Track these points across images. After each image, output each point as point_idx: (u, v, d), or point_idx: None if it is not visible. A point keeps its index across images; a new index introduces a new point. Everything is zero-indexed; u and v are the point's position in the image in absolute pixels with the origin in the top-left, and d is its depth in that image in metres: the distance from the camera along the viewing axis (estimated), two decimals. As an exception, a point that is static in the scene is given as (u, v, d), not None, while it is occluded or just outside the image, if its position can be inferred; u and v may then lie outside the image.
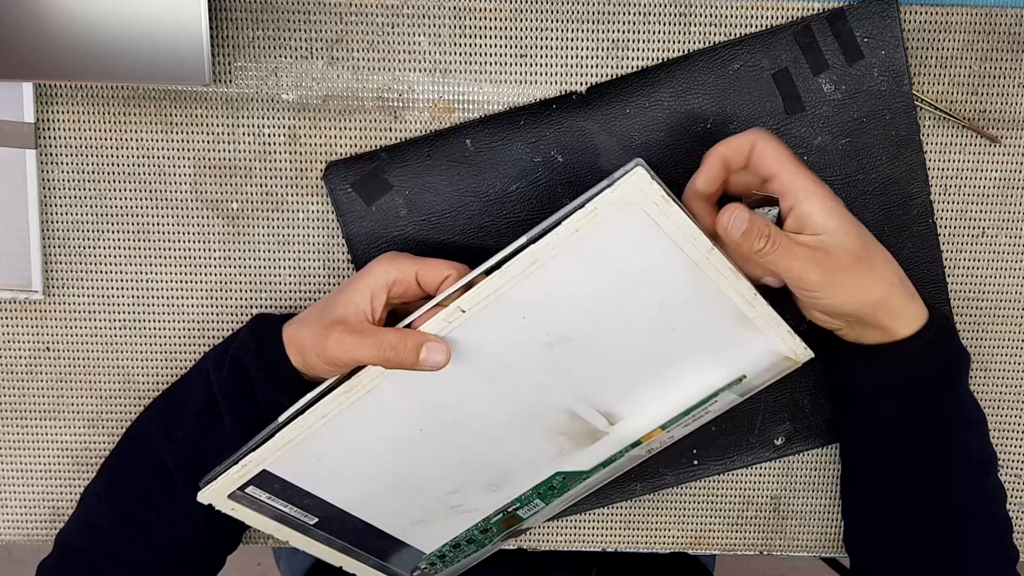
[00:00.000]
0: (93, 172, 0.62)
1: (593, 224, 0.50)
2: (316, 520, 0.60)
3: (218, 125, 0.61)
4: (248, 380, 0.57)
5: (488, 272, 0.51)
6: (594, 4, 0.60)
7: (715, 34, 0.60)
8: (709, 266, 0.53)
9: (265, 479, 0.57)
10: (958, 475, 0.57)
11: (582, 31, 0.60)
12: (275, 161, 0.62)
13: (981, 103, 0.61)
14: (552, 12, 0.60)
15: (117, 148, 0.62)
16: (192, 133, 0.61)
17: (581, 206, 0.50)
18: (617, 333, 0.55)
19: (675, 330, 0.56)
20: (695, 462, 0.66)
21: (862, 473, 0.61)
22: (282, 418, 0.55)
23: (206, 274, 0.63)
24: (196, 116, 0.61)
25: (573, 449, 0.61)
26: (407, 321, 0.53)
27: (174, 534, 0.59)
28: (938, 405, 0.57)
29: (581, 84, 0.61)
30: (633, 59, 0.60)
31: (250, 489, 0.57)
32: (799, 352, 0.58)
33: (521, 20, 0.60)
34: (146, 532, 0.58)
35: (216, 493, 0.56)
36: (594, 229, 0.50)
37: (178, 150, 0.62)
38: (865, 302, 0.53)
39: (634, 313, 0.54)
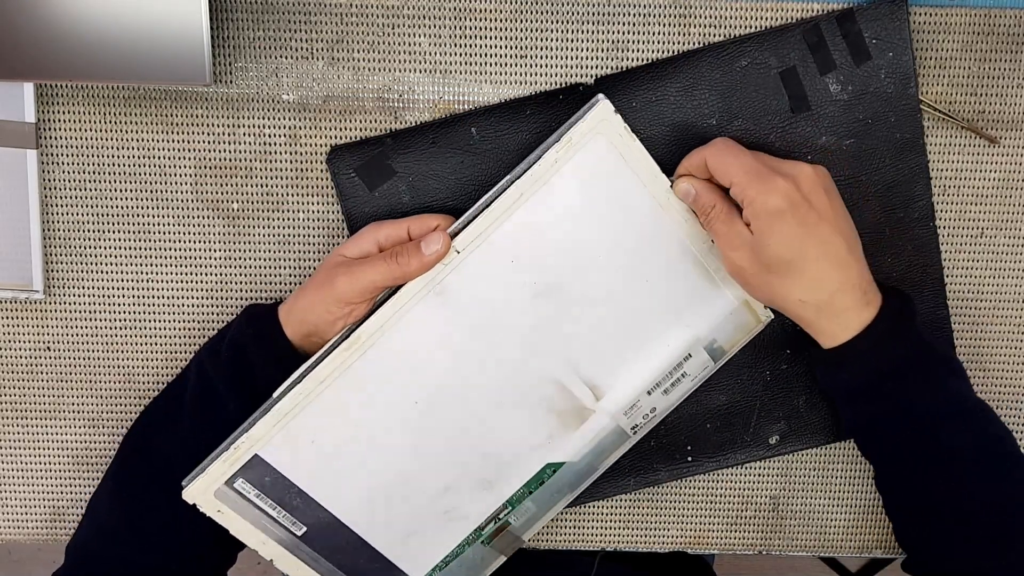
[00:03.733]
0: (94, 172, 0.62)
1: (570, 153, 0.55)
2: (304, 531, 0.59)
3: (219, 125, 0.61)
4: (248, 364, 0.57)
5: (479, 212, 0.55)
6: (594, 5, 0.60)
7: (715, 35, 0.60)
8: (670, 207, 0.58)
9: (256, 469, 0.56)
10: (955, 471, 0.56)
11: (582, 32, 0.60)
12: (275, 161, 0.62)
13: (980, 104, 0.61)
14: (552, 13, 0.60)
15: (118, 148, 0.62)
16: (193, 133, 0.61)
17: (558, 139, 0.55)
18: (598, 283, 0.58)
19: (648, 280, 0.59)
20: (689, 459, 0.66)
21: (876, 467, 0.60)
22: (276, 394, 0.55)
23: (206, 274, 0.64)
24: (197, 116, 0.61)
25: (563, 433, 0.61)
26: None
27: (184, 535, 0.59)
28: (899, 404, 0.56)
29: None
30: (633, 60, 0.60)
31: (239, 483, 0.56)
32: (760, 312, 0.62)
33: (521, 21, 0.60)
34: (155, 534, 0.58)
35: (203, 488, 0.55)
36: (571, 159, 0.55)
37: (179, 150, 0.62)
38: (773, 304, 0.57)
39: (612, 256, 0.58)
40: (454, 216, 0.57)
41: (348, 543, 0.61)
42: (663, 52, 0.60)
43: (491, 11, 0.60)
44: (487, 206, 0.55)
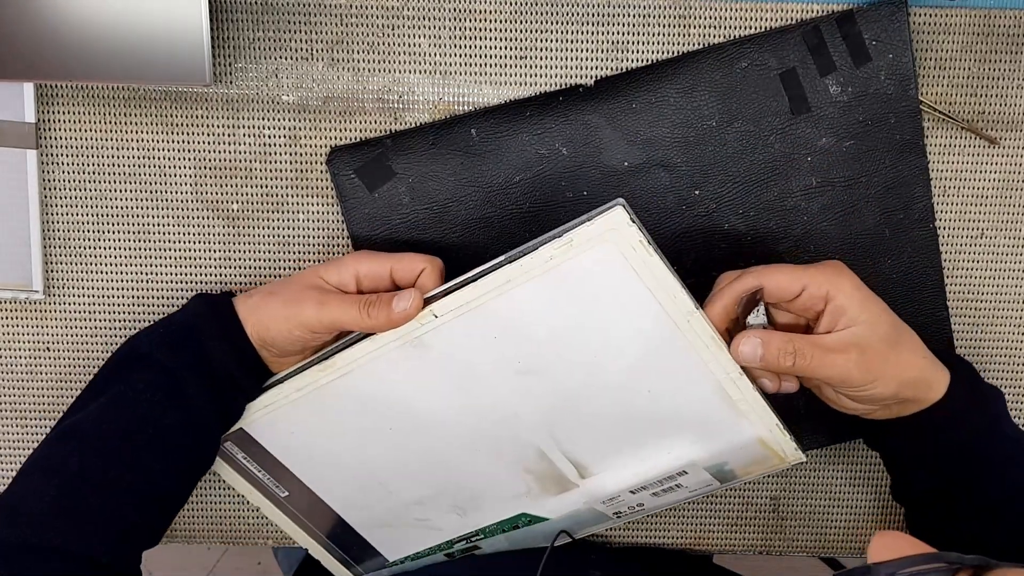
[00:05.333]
0: (93, 172, 0.62)
1: (567, 255, 0.49)
2: (287, 494, 0.61)
3: (219, 126, 0.61)
4: (207, 358, 0.55)
5: (464, 283, 0.52)
6: (594, 6, 0.60)
7: (715, 36, 0.60)
8: (690, 329, 0.51)
9: (243, 439, 0.59)
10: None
11: (582, 33, 0.60)
12: (275, 162, 0.62)
13: (980, 104, 0.61)
14: (552, 14, 0.60)
15: (117, 148, 0.62)
16: (192, 134, 0.61)
17: (560, 235, 0.49)
18: (589, 379, 0.54)
19: (651, 391, 0.54)
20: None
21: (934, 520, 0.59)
22: (266, 384, 0.57)
23: (206, 274, 0.64)
24: (197, 117, 0.61)
25: (541, 493, 0.60)
26: None
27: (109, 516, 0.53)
28: (989, 449, 0.56)
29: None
30: (633, 61, 0.60)
31: (227, 445, 0.59)
32: (788, 452, 0.56)
33: (521, 22, 0.60)
34: (79, 517, 0.53)
35: None
36: (567, 260, 0.50)
37: (178, 151, 0.62)
38: (905, 383, 0.53)
39: (607, 361, 0.53)
40: (439, 256, 0.56)
41: (326, 514, 0.63)
42: (663, 53, 0.60)
43: (491, 12, 0.60)
44: (473, 280, 0.51)
